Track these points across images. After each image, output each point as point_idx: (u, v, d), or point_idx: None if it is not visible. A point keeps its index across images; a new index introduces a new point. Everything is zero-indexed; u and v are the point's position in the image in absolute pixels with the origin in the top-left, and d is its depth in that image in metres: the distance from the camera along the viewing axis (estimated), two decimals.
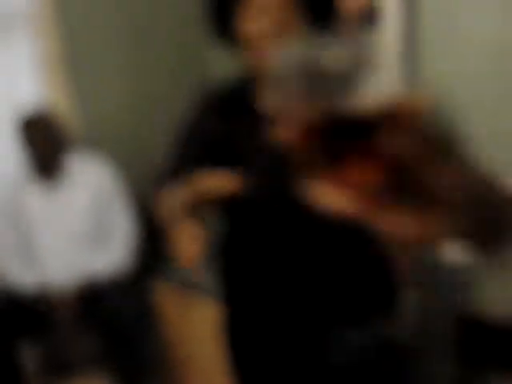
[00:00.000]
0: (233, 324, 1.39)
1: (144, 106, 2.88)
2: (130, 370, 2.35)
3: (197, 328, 2.31)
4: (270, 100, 0.49)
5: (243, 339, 1.37)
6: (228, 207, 1.27)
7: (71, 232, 2.40)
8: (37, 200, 2.41)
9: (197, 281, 2.31)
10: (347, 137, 0.48)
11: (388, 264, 1.33)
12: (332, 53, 0.48)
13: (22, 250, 2.42)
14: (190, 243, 0.98)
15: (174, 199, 1.13)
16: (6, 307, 2.34)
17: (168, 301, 2.44)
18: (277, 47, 1.14)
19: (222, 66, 2.66)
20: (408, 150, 0.48)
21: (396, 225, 0.50)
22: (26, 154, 2.36)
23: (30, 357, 2.52)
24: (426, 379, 1.79)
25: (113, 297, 2.37)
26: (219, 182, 1.02)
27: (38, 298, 2.34)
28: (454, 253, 1.84)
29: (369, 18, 1.98)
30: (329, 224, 1.23)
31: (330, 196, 0.50)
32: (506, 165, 1.84)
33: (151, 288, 2.56)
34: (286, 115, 0.49)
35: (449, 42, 1.88)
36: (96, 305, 2.36)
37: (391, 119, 0.47)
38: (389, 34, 1.98)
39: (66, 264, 2.39)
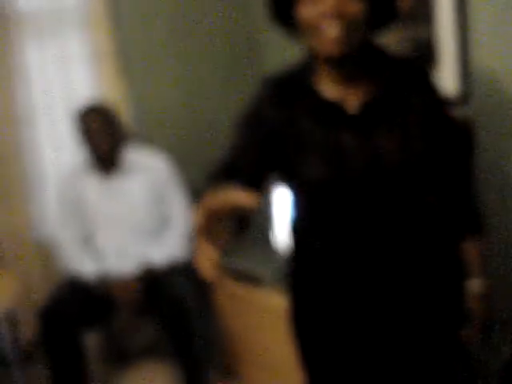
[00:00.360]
0: (300, 314, 1.39)
1: (198, 99, 2.87)
2: (189, 358, 2.36)
3: (257, 317, 2.32)
4: None
5: (310, 329, 1.37)
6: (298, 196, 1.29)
7: (130, 221, 2.45)
8: (96, 190, 2.47)
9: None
10: None
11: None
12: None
13: (83, 239, 2.48)
14: (206, 262, 1.07)
15: (201, 211, 1.18)
16: (68, 296, 2.39)
17: (227, 290, 2.45)
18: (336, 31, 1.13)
19: (278, 58, 2.61)
20: None
21: None
22: (85, 145, 2.42)
23: (92, 345, 2.58)
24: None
25: (171, 285, 2.40)
26: (238, 197, 1.05)
27: (99, 286, 2.39)
28: None
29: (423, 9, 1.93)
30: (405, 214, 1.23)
31: None
32: None
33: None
34: None
35: (502, 37, 1.80)
36: (154, 292, 2.40)
37: None
38: (441, 29, 1.93)
39: (125, 252, 2.44)
